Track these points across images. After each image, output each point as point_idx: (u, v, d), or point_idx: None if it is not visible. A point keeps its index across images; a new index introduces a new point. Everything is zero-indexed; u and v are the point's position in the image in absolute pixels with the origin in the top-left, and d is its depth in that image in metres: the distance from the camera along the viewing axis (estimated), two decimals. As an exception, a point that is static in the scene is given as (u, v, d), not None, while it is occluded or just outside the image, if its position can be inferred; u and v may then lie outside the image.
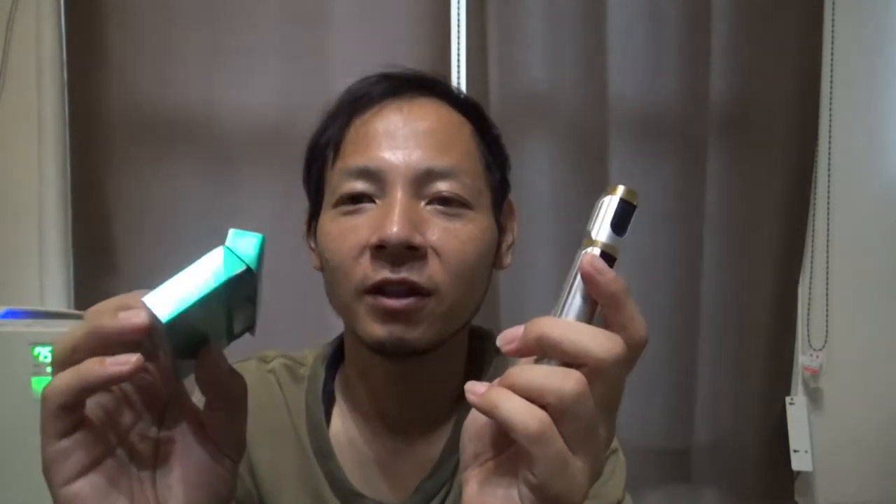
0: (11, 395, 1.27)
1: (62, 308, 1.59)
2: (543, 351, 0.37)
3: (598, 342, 0.36)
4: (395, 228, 0.55)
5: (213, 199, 1.60)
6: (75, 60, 1.58)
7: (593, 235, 0.38)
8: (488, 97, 1.63)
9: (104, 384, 0.39)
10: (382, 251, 0.56)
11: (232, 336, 0.45)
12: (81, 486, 0.40)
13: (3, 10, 1.58)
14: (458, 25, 1.66)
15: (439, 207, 0.59)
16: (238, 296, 0.40)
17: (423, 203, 0.59)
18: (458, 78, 1.66)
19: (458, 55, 1.65)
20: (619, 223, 0.38)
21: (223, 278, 0.39)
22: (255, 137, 1.60)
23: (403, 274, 0.56)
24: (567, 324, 0.37)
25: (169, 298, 0.38)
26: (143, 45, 1.57)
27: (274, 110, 1.60)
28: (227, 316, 0.42)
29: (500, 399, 0.36)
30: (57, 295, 1.62)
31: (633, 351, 0.38)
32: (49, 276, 1.61)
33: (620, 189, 0.38)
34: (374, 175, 0.59)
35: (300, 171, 0.68)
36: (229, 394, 0.44)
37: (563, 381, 0.35)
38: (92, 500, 0.40)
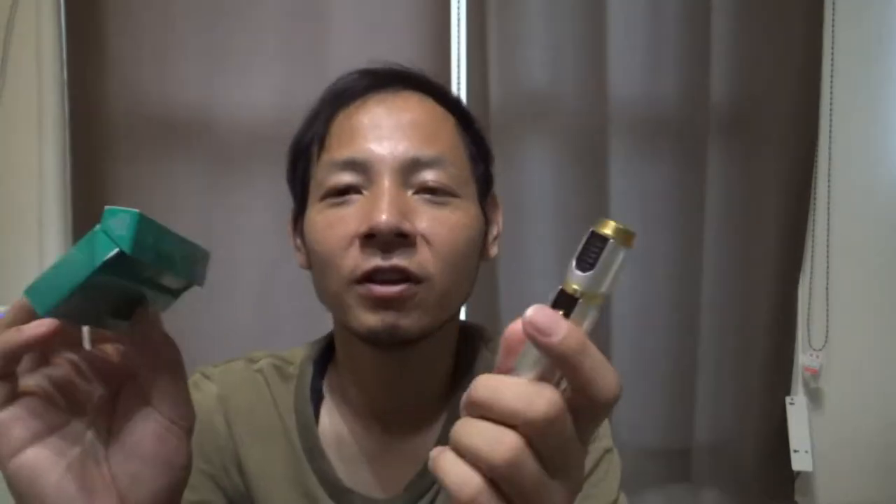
0: (11, 395, 1.27)
1: (62, 308, 1.59)
2: (482, 415, 0.34)
3: (527, 402, 0.32)
4: (384, 216, 0.55)
5: (213, 199, 1.60)
6: (75, 60, 1.57)
7: (567, 275, 0.33)
8: (488, 97, 1.62)
9: (24, 349, 0.39)
10: (372, 240, 0.56)
11: (172, 293, 0.45)
12: (27, 457, 0.40)
13: (3, 9, 1.58)
14: (458, 25, 1.66)
15: (427, 196, 0.59)
16: (140, 269, 0.39)
17: (410, 192, 0.59)
18: (458, 78, 1.66)
19: (458, 55, 1.65)
20: (586, 259, 0.33)
21: (96, 264, 0.38)
22: (256, 137, 1.60)
23: (395, 261, 0.56)
24: (499, 383, 0.33)
25: (46, 290, 0.38)
26: (144, 44, 1.57)
27: (274, 110, 1.60)
28: (141, 283, 0.41)
29: (441, 463, 0.34)
30: (57, 295, 1.61)
31: (597, 409, 0.34)
32: (49, 276, 1.61)
33: (602, 223, 0.33)
34: (360, 166, 0.59)
35: None
36: (165, 355, 0.44)
37: (493, 446, 0.32)
38: (37, 471, 0.40)
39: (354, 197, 0.59)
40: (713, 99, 1.71)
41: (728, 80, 1.71)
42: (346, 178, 0.59)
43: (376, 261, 0.56)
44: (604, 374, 0.33)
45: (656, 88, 1.71)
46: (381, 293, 0.56)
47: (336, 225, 0.59)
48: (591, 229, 0.33)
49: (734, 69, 1.71)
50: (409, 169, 0.58)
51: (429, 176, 0.59)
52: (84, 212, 1.59)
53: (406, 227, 0.56)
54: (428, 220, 0.58)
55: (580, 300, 0.33)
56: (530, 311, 0.33)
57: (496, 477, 0.32)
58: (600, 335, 1.69)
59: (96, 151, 1.58)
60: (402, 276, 0.56)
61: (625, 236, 0.32)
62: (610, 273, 0.33)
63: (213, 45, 1.59)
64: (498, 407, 0.33)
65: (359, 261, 0.57)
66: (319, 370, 0.70)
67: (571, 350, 0.32)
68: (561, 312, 0.33)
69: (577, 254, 0.33)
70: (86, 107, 1.57)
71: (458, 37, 1.65)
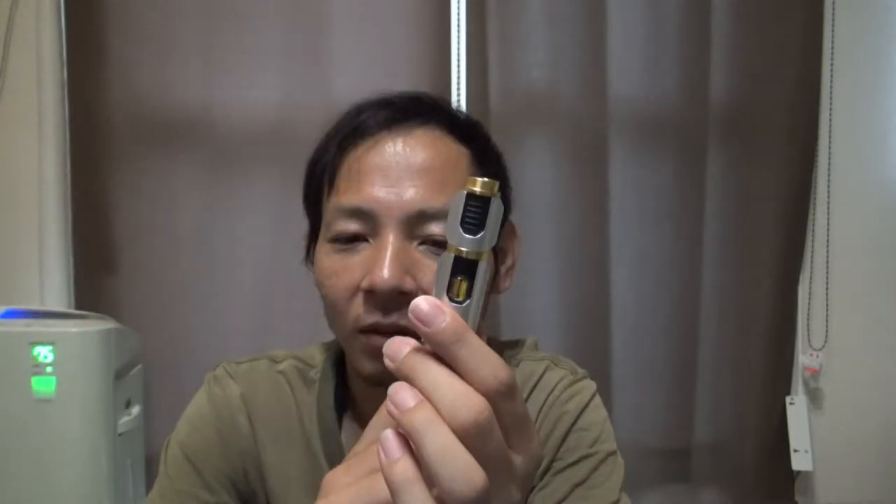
0: (11, 395, 1.27)
1: (62, 308, 1.59)
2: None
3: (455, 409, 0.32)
4: (385, 274, 0.55)
5: (212, 199, 1.60)
6: (75, 60, 1.58)
7: (448, 241, 0.34)
8: (488, 97, 1.62)
9: None
10: (374, 296, 0.56)
11: None
12: None
13: (3, 10, 1.58)
14: (458, 26, 1.66)
15: (432, 248, 0.58)
16: None
17: (415, 243, 0.58)
18: (458, 78, 1.66)
19: (458, 55, 1.65)
20: (472, 221, 0.33)
21: None
22: (255, 137, 1.60)
23: (394, 319, 0.57)
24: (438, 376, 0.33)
25: None
26: (143, 44, 1.57)
27: (273, 110, 1.60)
28: None
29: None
30: (57, 295, 1.62)
31: (491, 400, 0.33)
32: (49, 276, 1.61)
33: (471, 181, 0.33)
34: (366, 215, 0.58)
35: (299, 170, 0.68)
36: None
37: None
38: None
39: (361, 245, 0.59)
40: (713, 99, 1.71)
41: (728, 79, 1.71)
42: (353, 226, 0.59)
43: (377, 318, 0.57)
44: (483, 362, 0.33)
45: (656, 88, 1.71)
46: (380, 343, 0.57)
47: (341, 274, 0.59)
48: (464, 192, 0.33)
49: (734, 69, 1.71)
50: (414, 221, 0.58)
51: (435, 229, 0.58)
52: (84, 212, 1.59)
53: (407, 285, 0.56)
54: (431, 275, 0.57)
55: (479, 262, 0.34)
56: (418, 300, 0.33)
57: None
58: (601, 336, 1.69)
59: (96, 151, 1.58)
60: (401, 332, 0.57)
61: (496, 189, 0.33)
62: (495, 229, 0.34)
63: (213, 45, 1.59)
64: (431, 400, 0.33)
65: (360, 313, 0.58)
66: (341, 375, 0.70)
67: (448, 340, 0.33)
68: (460, 278, 0.34)
69: (459, 218, 0.33)
70: (86, 107, 1.57)
71: (458, 37, 1.65)
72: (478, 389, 0.32)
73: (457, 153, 0.63)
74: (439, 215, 0.58)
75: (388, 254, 0.56)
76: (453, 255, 0.34)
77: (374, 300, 0.57)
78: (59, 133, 1.61)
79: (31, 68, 1.60)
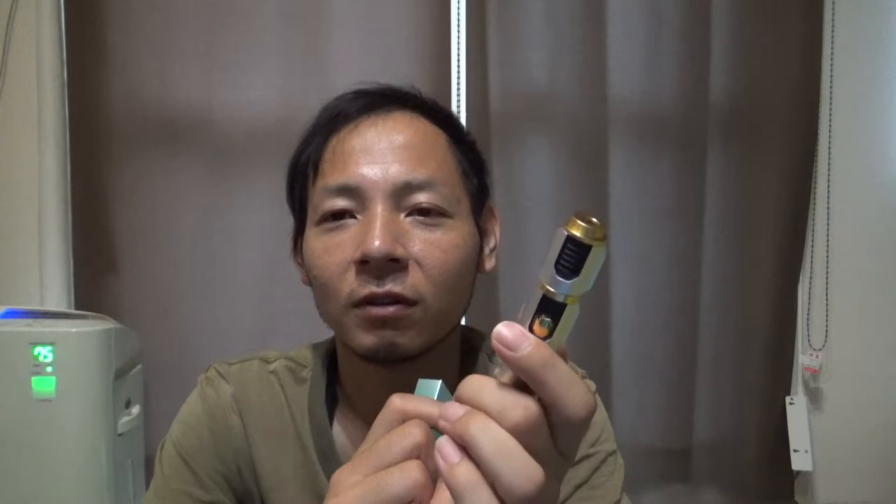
0: (11, 395, 1.27)
1: (62, 308, 1.59)
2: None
3: (502, 408, 0.33)
4: (377, 242, 0.56)
5: (212, 199, 1.60)
6: (75, 60, 1.58)
7: (540, 276, 0.32)
8: (488, 98, 1.62)
9: None
10: (366, 265, 0.57)
11: None
12: None
13: (3, 10, 1.58)
14: (458, 26, 1.66)
15: (419, 218, 0.60)
16: None
17: (402, 215, 0.60)
18: (458, 79, 1.66)
19: (458, 55, 1.65)
20: (567, 265, 0.31)
21: None
22: (255, 137, 1.60)
23: (388, 287, 0.57)
24: (483, 384, 0.34)
25: None
26: (143, 44, 1.57)
27: (274, 110, 1.60)
28: None
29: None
30: (57, 295, 1.62)
31: (568, 426, 0.33)
32: (49, 276, 1.62)
33: (574, 223, 0.31)
34: (353, 192, 0.60)
35: None
36: None
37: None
38: None
39: (349, 221, 0.60)
40: (713, 99, 1.71)
41: (727, 79, 1.71)
42: (341, 203, 0.60)
43: (371, 287, 0.58)
44: (571, 390, 0.33)
45: (656, 88, 1.71)
46: (376, 314, 0.58)
47: (332, 251, 0.60)
48: (565, 233, 0.31)
49: (734, 69, 1.71)
50: (401, 192, 0.60)
51: (421, 198, 0.60)
52: (84, 212, 1.59)
53: (398, 252, 0.57)
54: (420, 242, 0.59)
55: (567, 305, 0.32)
56: (500, 326, 0.33)
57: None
58: (601, 336, 1.69)
59: (96, 151, 1.58)
60: (396, 300, 0.58)
61: (600, 235, 0.31)
62: (591, 275, 0.32)
63: (213, 45, 1.59)
64: (478, 407, 0.34)
65: (355, 286, 0.58)
66: (333, 374, 0.71)
67: (536, 365, 0.32)
68: (543, 317, 0.33)
69: (555, 259, 0.32)
70: (86, 107, 1.57)
71: (459, 38, 1.66)
72: (563, 414, 0.33)
73: (434, 132, 0.65)
74: (425, 185, 0.60)
75: (378, 223, 0.57)
76: (541, 292, 0.32)
77: (367, 270, 0.57)
78: (59, 133, 1.61)
79: (31, 68, 1.60)
